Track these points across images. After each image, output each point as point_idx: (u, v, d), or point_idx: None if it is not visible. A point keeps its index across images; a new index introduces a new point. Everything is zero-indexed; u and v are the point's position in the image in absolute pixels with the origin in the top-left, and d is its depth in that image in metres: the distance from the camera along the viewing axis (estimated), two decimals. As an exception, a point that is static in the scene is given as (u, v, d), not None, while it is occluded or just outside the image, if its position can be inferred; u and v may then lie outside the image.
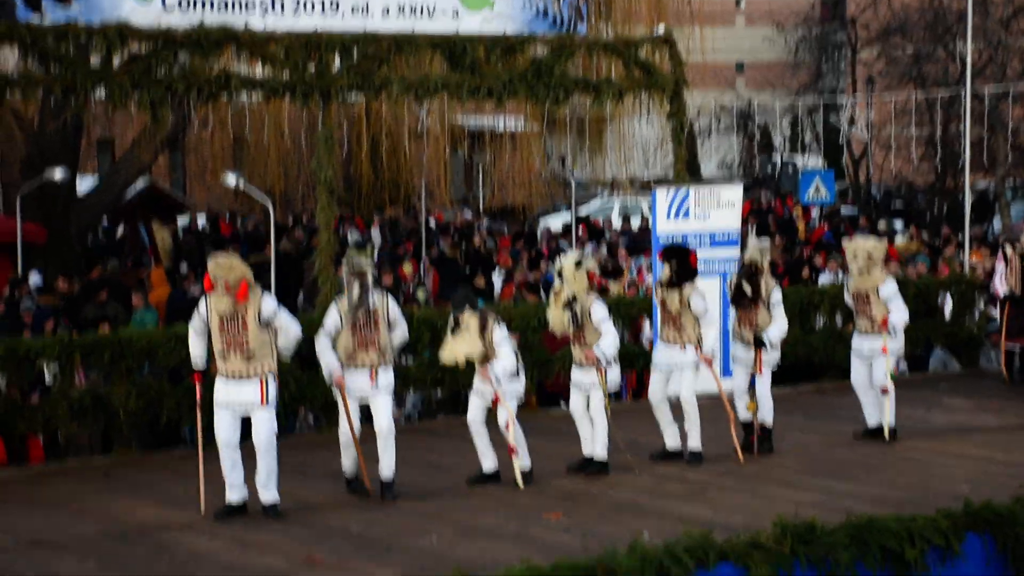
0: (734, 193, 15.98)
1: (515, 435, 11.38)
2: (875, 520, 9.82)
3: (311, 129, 21.91)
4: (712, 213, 15.64)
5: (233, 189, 22.82)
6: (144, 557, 9.74)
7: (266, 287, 19.91)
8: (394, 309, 11.27)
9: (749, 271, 12.59)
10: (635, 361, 15.57)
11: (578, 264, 11.70)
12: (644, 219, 31.56)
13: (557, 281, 11.77)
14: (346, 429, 11.09)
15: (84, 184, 24.14)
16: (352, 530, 10.41)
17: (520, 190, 28.09)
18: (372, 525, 10.53)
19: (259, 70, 14.69)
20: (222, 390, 10.66)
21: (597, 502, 11.24)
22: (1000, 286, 16.78)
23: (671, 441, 12.46)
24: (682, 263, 12.30)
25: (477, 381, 11.45)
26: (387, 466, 11.12)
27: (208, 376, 10.80)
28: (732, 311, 12.98)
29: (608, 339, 11.66)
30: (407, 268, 21.51)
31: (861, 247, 13.12)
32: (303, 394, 13.62)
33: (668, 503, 11.16)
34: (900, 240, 27.19)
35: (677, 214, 15.55)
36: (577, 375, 11.92)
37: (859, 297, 13.15)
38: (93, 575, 9.32)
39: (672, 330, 12.28)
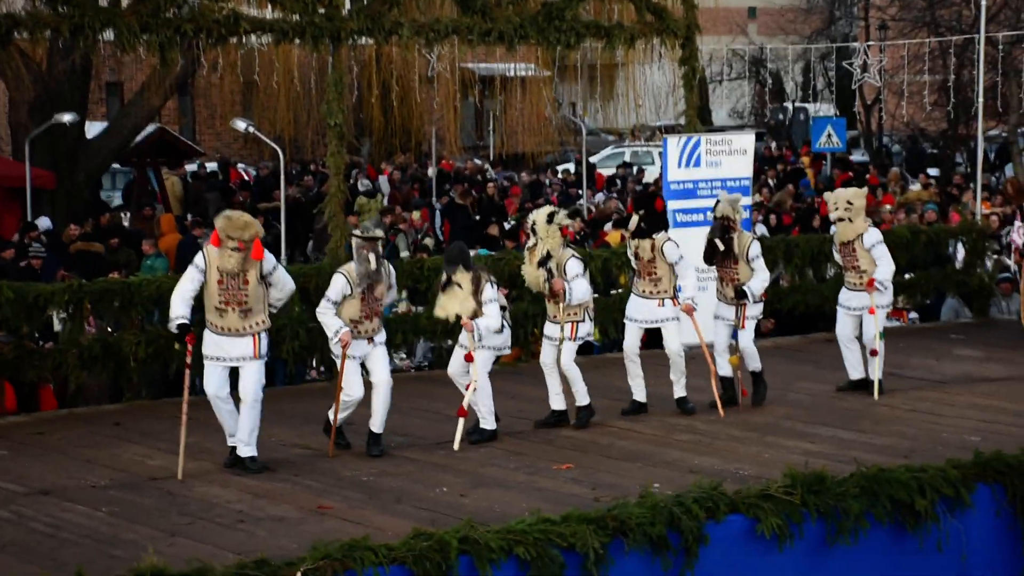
0: (746, 141, 15.90)
1: (477, 396, 11.24)
2: (885, 471, 9.82)
3: (321, 73, 21.76)
4: (724, 161, 15.56)
5: (243, 134, 22.73)
6: (155, 506, 9.76)
7: (275, 234, 19.94)
8: (393, 274, 11.26)
9: (721, 226, 12.35)
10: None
11: (550, 218, 11.54)
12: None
13: (531, 237, 11.62)
14: (357, 395, 10.92)
15: (93, 129, 24.06)
16: (362, 480, 10.42)
17: (530, 137, 27.97)
18: (382, 475, 10.54)
19: (269, 12, 14.58)
20: (212, 345, 10.50)
21: (607, 453, 11.24)
22: (1017, 237, 16.71)
23: (639, 394, 12.36)
24: (649, 211, 12.16)
25: (462, 334, 11.40)
26: (380, 421, 11.01)
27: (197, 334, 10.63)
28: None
29: (577, 292, 11.55)
30: (416, 216, 21.47)
31: (841, 196, 12.94)
32: (313, 344, 13.59)
33: (678, 454, 11.16)
34: (913, 188, 27.07)
35: (688, 162, 15.46)
36: (549, 328, 11.80)
37: (845, 249, 12.97)
38: (104, 524, 9.34)
39: (648, 282, 12.14)
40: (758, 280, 12.41)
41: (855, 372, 13.21)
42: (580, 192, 26.51)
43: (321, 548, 8.03)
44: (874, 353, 12.95)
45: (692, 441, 11.59)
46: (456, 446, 11.22)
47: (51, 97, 21.41)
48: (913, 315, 17.52)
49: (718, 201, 12.58)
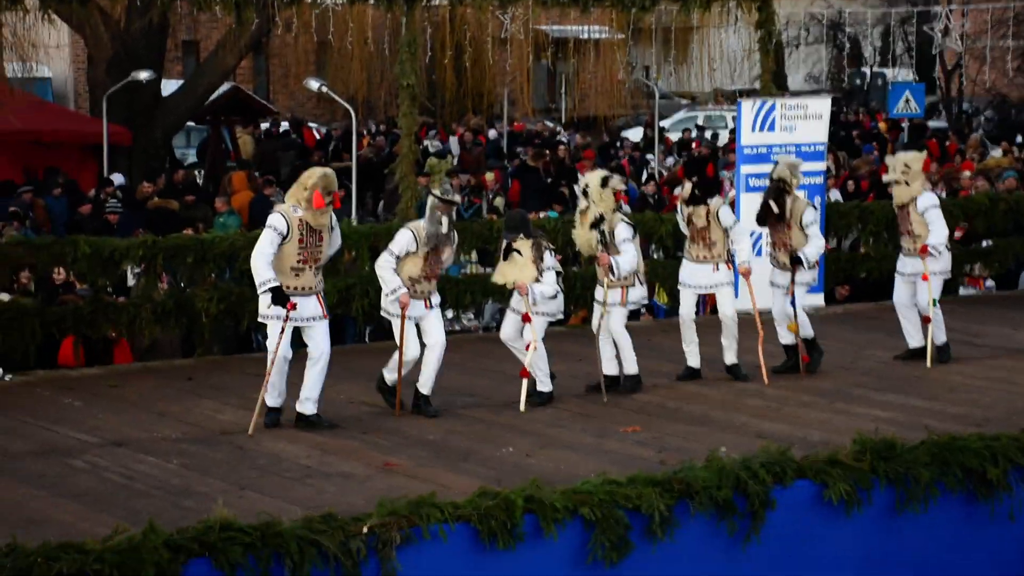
0: (822, 105, 15.74)
1: (534, 360, 11.24)
2: (957, 438, 9.70)
3: (395, 34, 21.77)
4: (798, 125, 15.41)
5: (315, 94, 22.80)
6: (225, 460, 9.87)
7: (347, 194, 20.02)
8: (456, 240, 11.26)
9: (777, 188, 12.17)
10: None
11: (604, 182, 11.44)
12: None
13: (583, 200, 11.49)
14: (414, 353, 10.91)
15: (169, 87, 24.26)
16: (429, 438, 10.46)
17: (603, 100, 27.82)
18: (449, 434, 10.58)
19: (344, -28, 14.59)
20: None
21: (674, 416, 11.20)
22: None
23: (694, 360, 12.26)
24: (702, 177, 12.06)
25: (514, 299, 11.38)
26: (429, 382, 10.99)
27: None
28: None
29: (625, 257, 11.48)
30: (489, 176, 21.45)
31: (899, 159, 12.76)
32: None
33: (745, 418, 11.11)
34: (994, 155, 26.66)
35: (763, 127, 15.32)
36: (599, 293, 11.71)
37: (900, 212, 12.76)
38: (175, 476, 9.46)
39: (702, 248, 12.02)
40: (813, 247, 12.24)
41: (913, 340, 13.02)
42: (651, 156, 26.37)
43: (387, 504, 8.08)
44: (927, 320, 12.76)
45: (761, 406, 11.52)
46: (522, 407, 11.23)
47: (128, 55, 21.62)
48: (990, 283, 17.28)
49: (776, 163, 12.44)
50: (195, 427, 10.76)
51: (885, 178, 12.89)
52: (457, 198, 11.30)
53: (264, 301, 10.44)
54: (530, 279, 11.13)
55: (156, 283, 13.34)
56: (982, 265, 16.97)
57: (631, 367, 11.77)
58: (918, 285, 12.79)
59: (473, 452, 10.10)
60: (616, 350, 11.78)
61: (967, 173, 22.03)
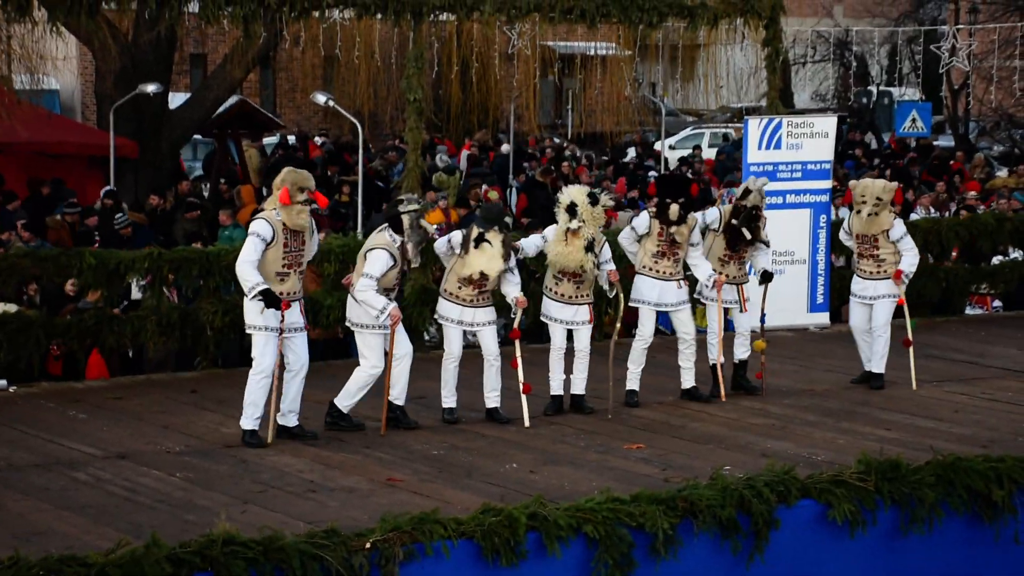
0: (828, 124, 15.75)
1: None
2: (962, 460, 9.67)
3: (402, 49, 21.80)
4: (805, 143, 15.42)
5: (322, 108, 22.84)
6: (228, 473, 9.86)
7: (354, 207, 20.03)
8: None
9: (750, 215, 12.05)
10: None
11: (594, 201, 11.33)
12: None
13: (569, 218, 11.25)
14: (371, 368, 10.88)
15: (176, 100, 24.29)
16: (433, 454, 10.45)
17: (609, 116, 27.85)
18: (453, 450, 10.57)
19: (352, -14, 14.60)
20: (270, 314, 10.31)
21: (679, 434, 11.18)
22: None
23: (634, 382, 12.13)
24: (688, 198, 11.90)
25: (483, 312, 11.27)
26: (404, 391, 11.05)
27: None
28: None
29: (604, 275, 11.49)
30: (492, 195, 21.44)
31: (870, 189, 12.48)
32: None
33: (750, 437, 11.09)
34: (1000, 175, 26.66)
35: (769, 144, 15.33)
36: (561, 311, 11.54)
37: (865, 239, 12.57)
38: (178, 489, 9.44)
39: (670, 263, 11.89)
40: (908, 261, 12.42)
41: (868, 363, 12.87)
42: (653, 173, 26.38)
43: (390, 520, 8.06)
44: (908, 343, 12.68)
45: (765, 425, 11.50)
46: (526, 423, 11.22)
47: (136, 67, 21.65)
48: (997, 303, 17.26)
49: (747, 189, 12.33)
50: (198, 440, 10.75)
51: (859, 207, 12.46)
52: (421, 203, 11.25)
53: (254, 308, 10.35)
54: (496, 270, 11.09)
55: (162, 295, 13.35)
56: (988, 285, 16.95)
57: (582, 387, 11.72)
58: (877, 307, 12.60)
59: (477, 468, 10.08)
60: (565, 370, 11.64)
61: (972, 193, 22.04)
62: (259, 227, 10.37)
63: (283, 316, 10.35)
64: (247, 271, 10.31)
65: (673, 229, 11.86)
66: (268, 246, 10.34)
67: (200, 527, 8.17)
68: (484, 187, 21.57)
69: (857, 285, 12.77)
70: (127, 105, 21.34)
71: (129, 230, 17.29)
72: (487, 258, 11.07)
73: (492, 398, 11.38)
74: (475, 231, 11.14)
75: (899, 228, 12.62)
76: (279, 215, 10.39)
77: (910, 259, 12.62)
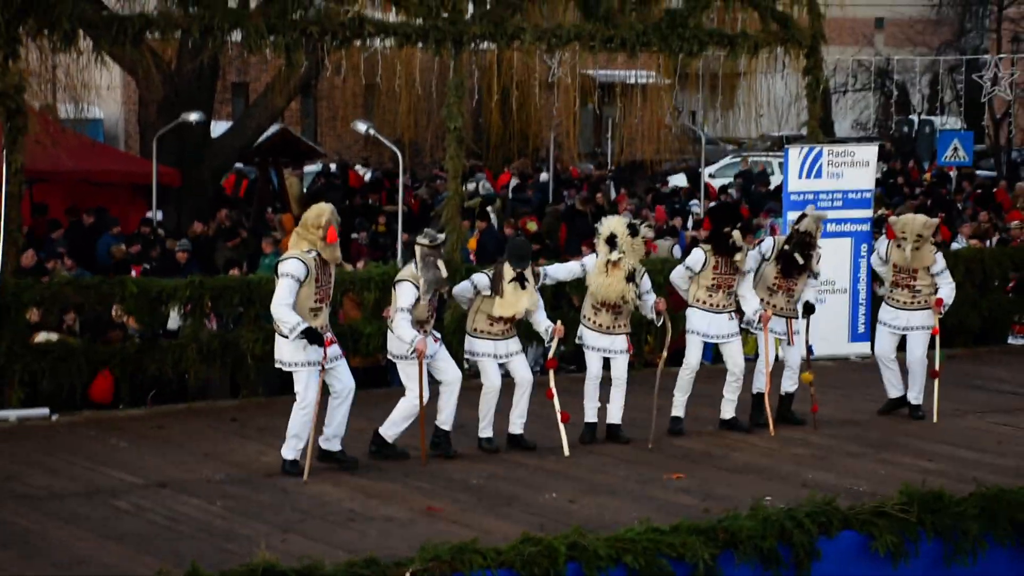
0: (869, 153, 15.70)
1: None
2: (1005, 491, 9.61)
3: (442, 77, 21.89)
4: (845, 172, 15.37)
5: (363, 136, 22.94)
6: (269, 502, 9.88)
7: (395, 235, 20.07)
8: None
9: (802, 241, 12.05)
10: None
11: (634, 232, 11.36)
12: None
13: (609, 249, 11.27)
14: (416, 399, 10.92)
15: (218, 128, 24.45)
16: (472, 483, 10.44)
17: (649, 145, 27.83)
18: (493, 479, 10.56)
19: (393, 16, 14.69)
20: (312, 349, 10.37)
21: (719, 464, 11.13)
22: None
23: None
24: (745, 222, 12.03)
25: (509, 343, 11.29)
26: (450, 418, 11.12)
27: None
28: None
29: (650, 301, 11.52)
30: (531, 226, 21.45)
31: (911, 226, 12.45)
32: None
33: (792, 467, 11.02)
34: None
35: (810, 173, 15.30)
36: (599, 340, 11.56)
37: (904, 271, 12.53)
38: (218, 518, 9.47)
39: (723, 295, 11.87)
40: (947, 290, 12.46)
41: (895, 391, 12.82)
42: (695, 202, 26.33)
43: (430, 549, 8.06)
44: (936, 374, 12.60)
45: (806, 455, 11.43)
46: (566, 451, 11.19)
47: (179, 96, 21.81)
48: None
49: (804, 215, 12.33)
50: (239, 469, 10.78)
51: (901, 243, 12.45)
52: (442, 237, 11.29)
53: (295, 347, 10.39)
54: (536, 304, 11.17)
55: (203, 323, 13.41)
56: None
57: (619, 417, 11.71)
58: (910, 337, 12.59)
59: (516, 497, 10.06)
60: (600, 399, 11.63)
61: (1016, 223, 21.87)
62: (293, 268, 10.38)
63: (325, 352, 10.39)
64: (285, 313, 10.35)
65: (737, 257, 11.85)
66: (301, 285, 10.39)
67: (240, 556, 8.19)
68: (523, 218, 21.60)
69: (888, 314, 12.74)
70: (170, 134, 21.49)
71: (185, 255, 17.43)
72: (528, 296, 11.13)
73: (518, 424, 11.38)
74: (509, 272, 11.14)
75: (940, 263, 12.62)
76: (311, 252, 10.44)
77: (949, 291, 12.62)
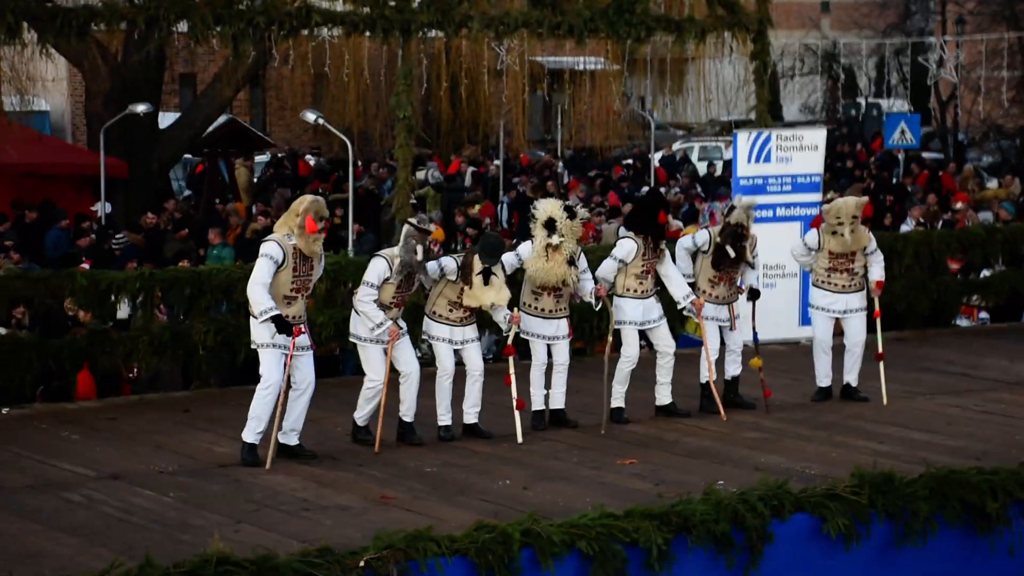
0: (817, 137, 15.78)
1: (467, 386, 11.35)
2: (955, 472, 9.69)
3: (391, 66, 21.85)
4: (794, 157, 15.45)
5: (312, 126, 22.87)
6: (222, 493, 9.84)
7: (344, 225, 20.03)
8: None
9: (735, 232, 12.01)
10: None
11: (572, 215, 11.29)
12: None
13: (546, 235, 11.19)
14: (380, 380, 10.92)
15: (166, 119, 24.30)
16: (426, 471, 10.44)
17: (599, 131, 27.90)
18: (446, 467, 10.56)
19: (340, 5, 14.66)
20: (279, 336, 10.34)
21: (672, 449, 11.19)
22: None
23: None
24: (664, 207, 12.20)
25: (466, 330, 11.29)
26: (412, 408, 11.09)
27: None
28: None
29: (588, 285, 11.55)
30: (474, 209, 21.48)
31: (845, 210, 12.40)
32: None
33: (743, 451, 11.09)
34: (990, 186, 26.73)
35: (758, 158, 15.36)
36: (540, 325, 11.53)
37: (843, 257, 12.50)
38: (171, 509, 9.43)
39: (651, 282, 11.91)
40: (753, 275, 12.33)
41: (827, 379, 12.78)
42: (645, 188, 26.43)
43: (384, 538, 8.06)
44: (881, 357, 12.64)
45: (758, 439, 11.51)
46: (519, 439, 11.22)
47: (126, 88, 21.67)
48: (983, 315, 17.29)
49: (732, 207, 12.30)
50: (192, 460, 10.73)
51: (838, 228, 12.36)
52: (432, 227, 11.27)
53: (263, 327, 10.39)
54: (504, 299, 11.18)
55: (153, 315, 13.33)
56: (980, 297, 16.99)
57: (562, 401, 11.74)
58: (854, 320, 12.56)
59: (470, 485, 10.08)
60: (545, 385, 11.63)
61: (960, 204, 22.11)
62: (271, 249, 10.38)
63: (293, 342, 10.37)
64: (259, 293, 10.31)
65: (662, 242, 11.89)
66: (279, 268, 10.36)
67: (194, 547, 8.15)
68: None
69: (826, 299, 12.63)
70: (117, 125, 21.35)
71: (119, 252, 17.30)
72: (495, 291, 11.12)
73: (472, 414, 11.37)
74: (478, 265, 11.13)
75: (873, 240, 12.69)
76: (291, 239, 10.41)
77: (881, 268, 12.64)
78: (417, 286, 11.24)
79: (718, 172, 29.64)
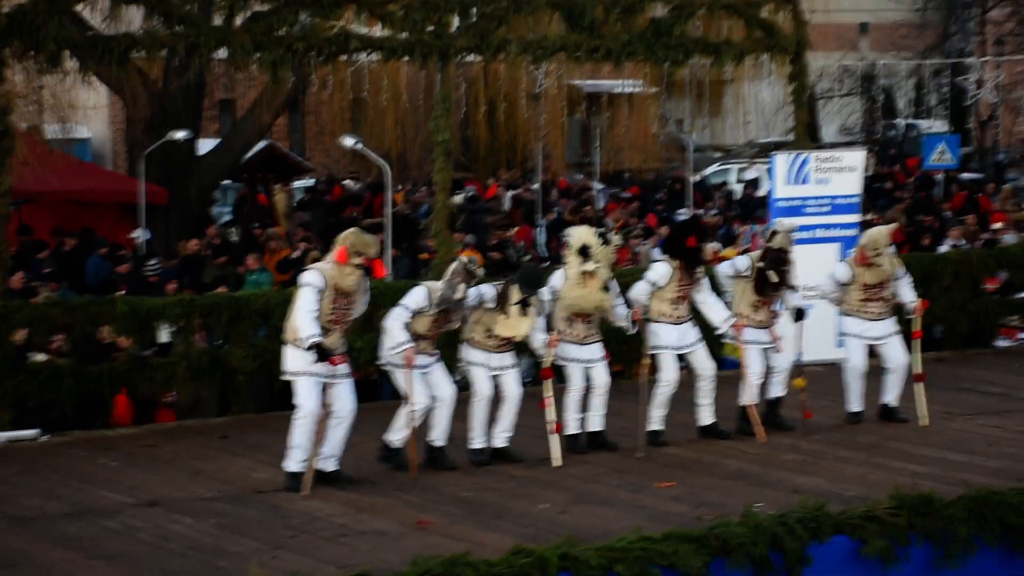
0: (855, 158, 15.73)
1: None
2: (995, 493, 9.62)
3: (429, 91, 21.95)
4: (833, 178, 15.40)
5: (351, 151, 22.99)
6: (259, 519, 9.86)
7: (382, 250, 20.09)
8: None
9: (778, 257, 12.01)
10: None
11: (606, 241, 11.39)
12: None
13: (582, 261, 11.24)
14: (424, 403, 10.93)
15: (205, 146, 24.47)
16: (463, 495, 10.44)
17: (636, 154, 27.90)
18: (484, 491, 10.56)
19: (378, 30, 14.72)
20: (319, 364, 10.37)
21: (710, 471, 11.14)
22: None
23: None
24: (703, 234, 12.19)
25: (505, 356, 11.31)
26: (443, 434, 11.11)
27: None
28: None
29: (621, 311, 11.56)
30: (511, 232, 21.52)
31: (880, 240, 12.38)
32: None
33: (782, 473, 11.03)
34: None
35: (796, 179, 15.33)
36: (576, 351, 11.54)
37: (878, 285, 12.46)
38: (209, 535, 9.46)
39: (686, 307, 11.90)
40: (796, 296, 12.28)
41: (858, 405, 12.71)
42: (684, 210, 26.40)
43: (421, 563, 8.06)
44: (922, 378, 12.58)
45: (797, 461, 11.45)
46: (557, 462, 11.20)
47: (166, 114, 21.83)
48: (1023, 335, 17.15)
49: (775, 232, 12.30)
50: (230, 486, 10.76)
51: (879, 260, 12.37)
52: (480, 272, 11.28)
53: (298, 355, 10.40)
54: (534, 330, 11.22)
55: (191, 341, 13.40)
56: (1020, 317, 16.86)
57: (602, 423, 11.72)
58: (889, 345, 12.51)
59: (507, 509, 10.07)
60: (581, 408, 11.62)
61: (998, 224, 21.97)
62: (311, 278, 10.41)
63: (333, 371, 10.41)
64: (307, 322, 10.31)
65: (699, 268, 11.88)
66: (322, 295, 10.38)
67: (232, 574, 8.18)
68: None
69: (860, 326, 12.58)
70: (157, 152, 21.51)
71: (157, 278, 17.40)
72: (530, 322, 11.14)
73: (502, 439, 11.35)
74: (515, 295, 11.13)
75: (902, 268, 12.70)
76: (330, 267, 10.47)
77: (911, 289, 12.64)
78: (455, 323, 11.24)
79: (758, 192, 29.57)
